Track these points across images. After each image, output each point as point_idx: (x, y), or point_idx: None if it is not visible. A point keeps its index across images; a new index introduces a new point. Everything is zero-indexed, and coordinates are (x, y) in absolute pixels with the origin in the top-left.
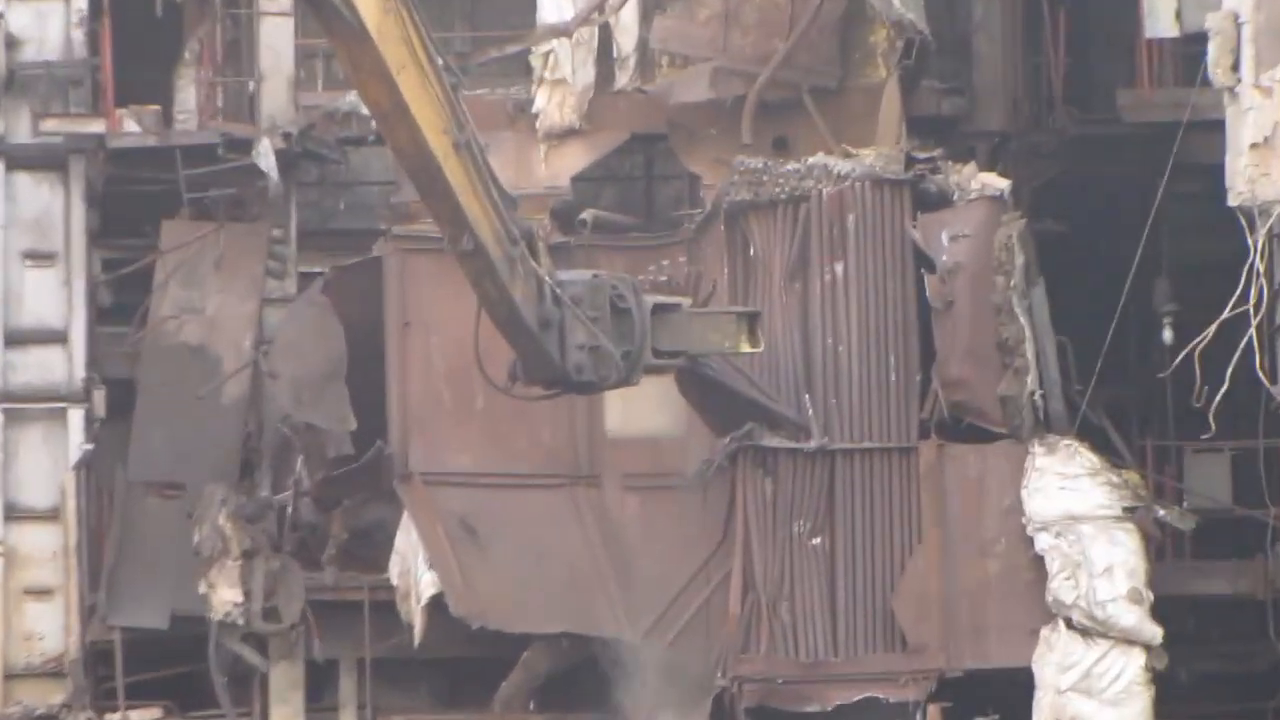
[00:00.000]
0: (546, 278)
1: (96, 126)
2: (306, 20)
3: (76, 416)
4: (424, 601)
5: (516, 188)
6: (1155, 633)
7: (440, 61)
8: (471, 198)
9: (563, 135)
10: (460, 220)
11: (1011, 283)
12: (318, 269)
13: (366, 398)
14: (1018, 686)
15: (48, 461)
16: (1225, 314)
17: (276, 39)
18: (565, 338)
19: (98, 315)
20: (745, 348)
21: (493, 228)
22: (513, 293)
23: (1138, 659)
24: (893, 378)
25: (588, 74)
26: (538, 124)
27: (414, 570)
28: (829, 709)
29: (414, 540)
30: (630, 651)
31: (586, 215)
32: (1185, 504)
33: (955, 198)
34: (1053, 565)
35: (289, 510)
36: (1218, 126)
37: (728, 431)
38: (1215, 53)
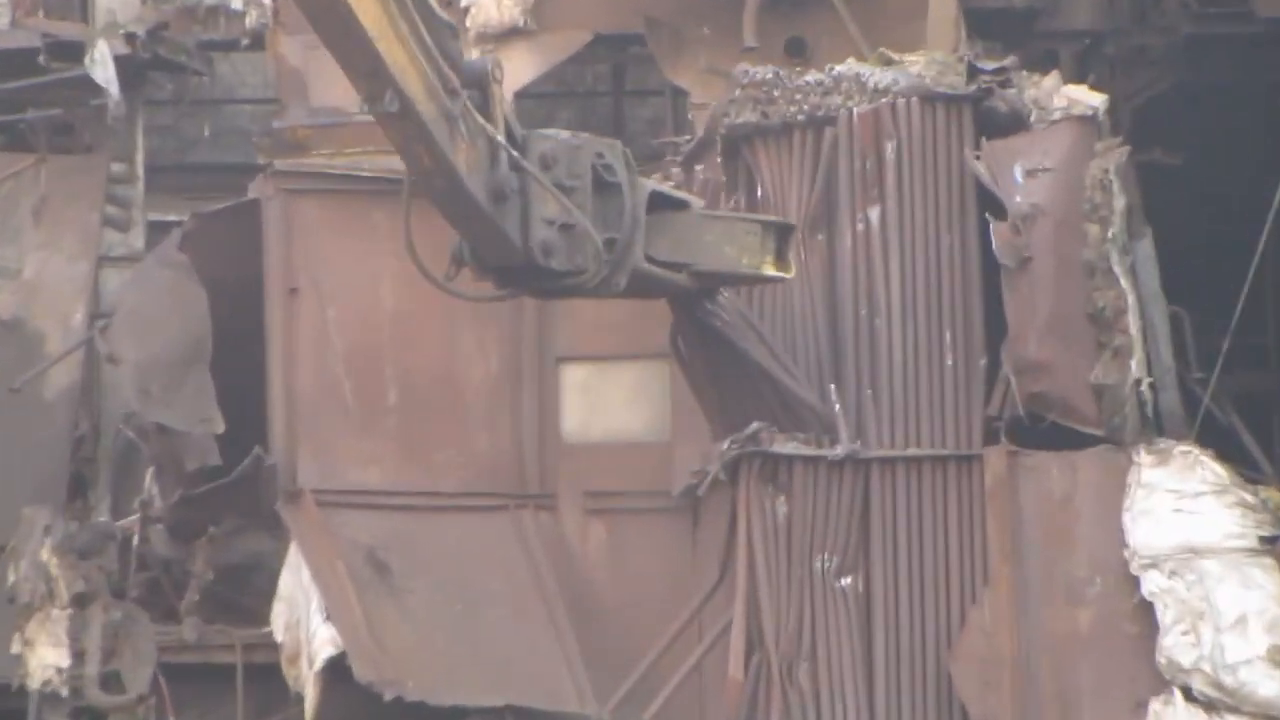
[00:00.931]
0: (500, 136)
1: None
2: None
3: None
4: (319, 665)
5: None
6: None
7: None
8: (393, 41)
9: (503, 37)
10: (380, 73)
11: (1109, 233)
12: (173, 217)
13: (240, 390)
14: None
15: None
16: None
17: None
18: (529, 210)
19: None
20: (771, 270)
21: (423, 78)
22: (453, 160)
23: None
24: (948, 361)
25: None
26: (469, 21)
27: (305, 622)
28: None
29: (305, 582)
30: None
31: None
32: None
33: (1032, 119)
34: (1165, 615)
35: (135, 542)
36: None
37: (734, 425)
38: None
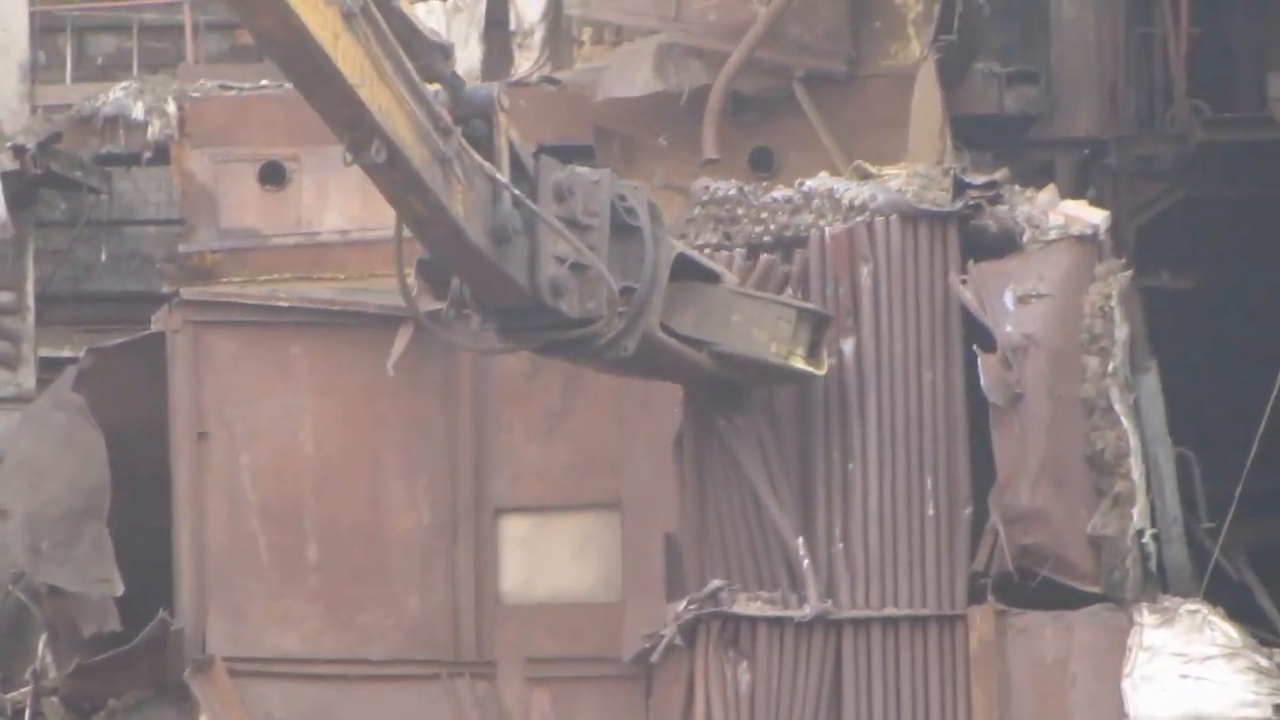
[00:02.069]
0: (500, 175)
1: None
2: None
3: None
4: None
5: (367, 229)
6: None
7: None
8: (377, 84)
9: None
10: (365, 121)
11: (1110, 367)
12: (67, 353)
13: (143, 546)
14: None
15: None
16: None
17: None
18: (538, 246)
19: None
20: (801, 364)
21: (413, 120)
22: (450, 206)
23: None
24: (929, 511)
25: (472, 55)
26: None
27: None
28: None
29: None
30: None
31: None
32: None
33: (1025, 239)
34: None
35: (27, 716)
36: None
37: (698, 575)
38: None
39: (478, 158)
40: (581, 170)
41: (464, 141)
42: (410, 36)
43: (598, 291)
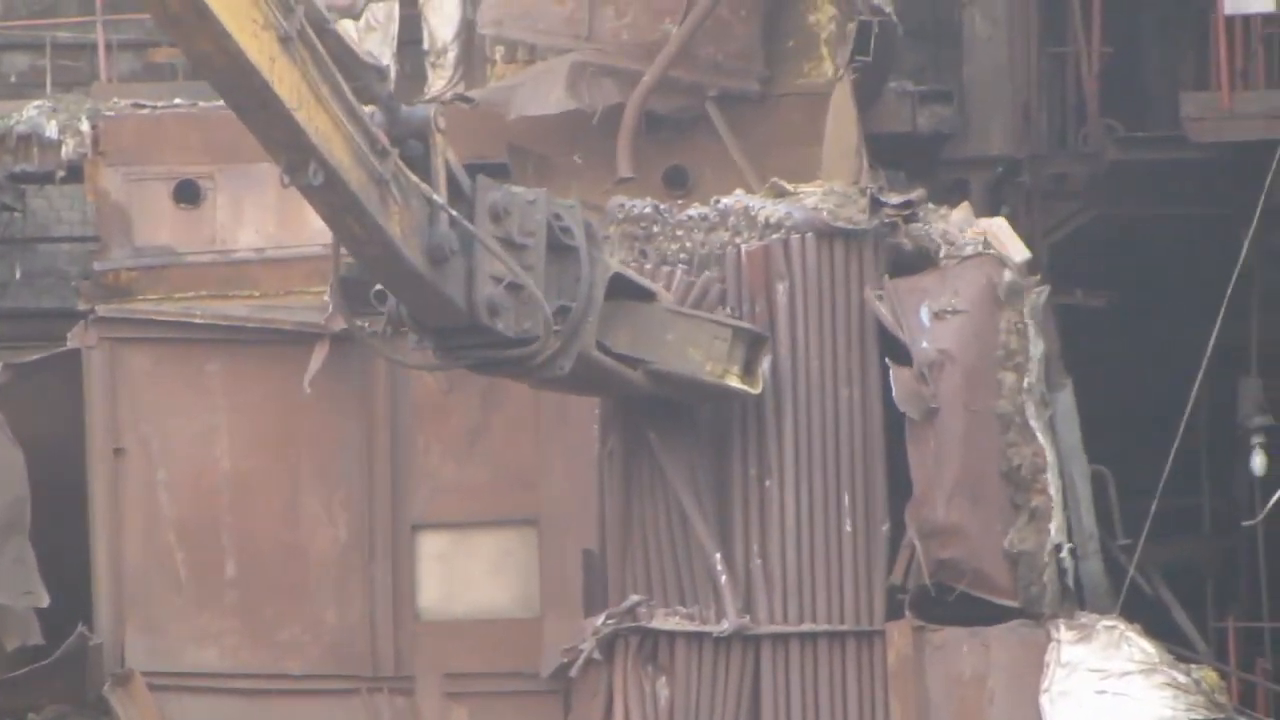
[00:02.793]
0: (437, 196)
1: None
2: None
3: None
4: None
5: (282, 246)
6: None
7: None
8: (314, 107)
9: None
10: (301, 144)
11: (1025, 383)
12: None
13: (61, 561)
14: None
15: None
16: None
17: None
18: (475, 266)
19: None
20: (735, 382)
21: (349, 143)
22: (386, 227)
23: None
24: (846, 527)
25: None
26: None
27: None
28: None
29: None
30: None
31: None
32: None
33: (940, 256)
34: None
35: None
36: None
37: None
38: None
39: (414, 179)
40: (517, 190)
41: (400, 163)
42: (346, 58)
43: (534, 312)
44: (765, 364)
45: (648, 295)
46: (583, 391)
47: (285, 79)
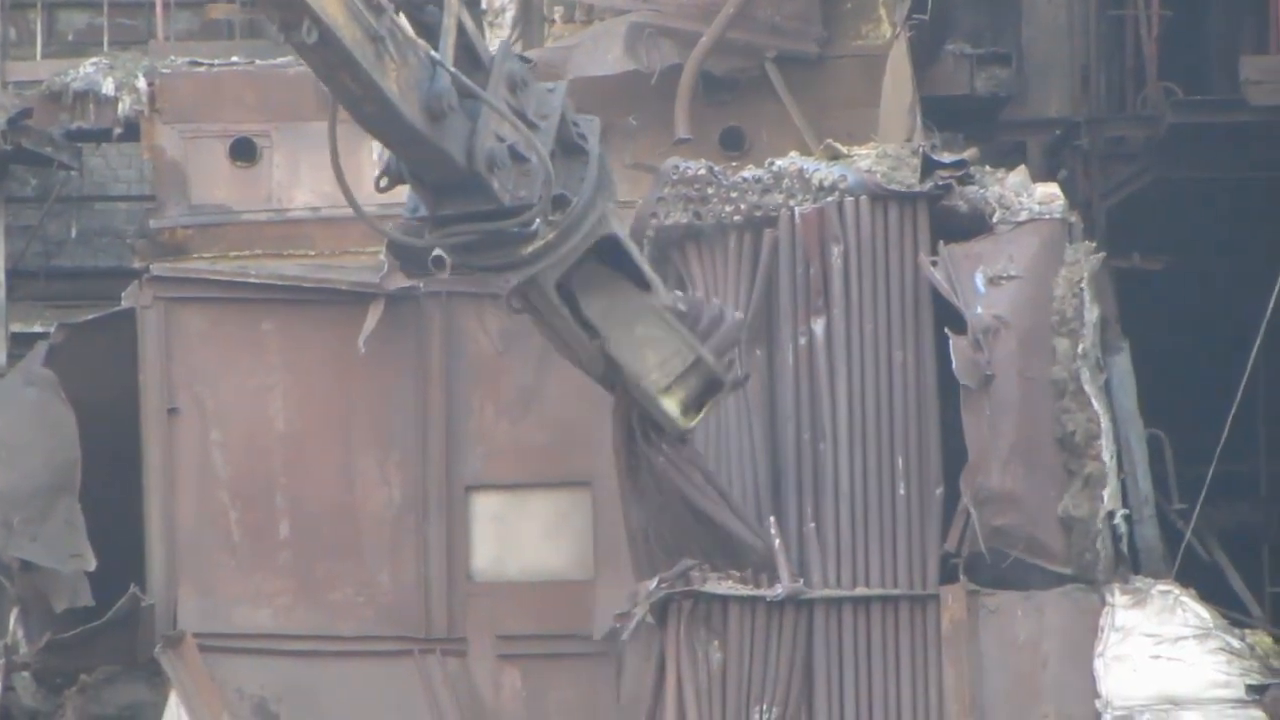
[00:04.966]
0: (434, 53)
1: None
2: None
3: None
4: None
5: (338, 205)
6: None
7: None
8: None
9: None
10: (293, 2)
11: (1080, 348)
12: (38, 328)
13: (115, 522)
14: None
15: None
16: None
17: None
18: (477, 125)
19: None
20: (671, 407)
21: (342, 1)
22: (383, 84)
23: None
24: (900, 491)
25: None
26: None
27: None
28: None
29: None
30: None
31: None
32: None
33: (996, 220)
34: None
35: None
36: None
37: (660, 562)
38: None
39: (411, 34)
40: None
41: (394, 19)
42: None
43: (532, 184)
44: (708, 409)
45: (644, 284)
46: (545, 334)
47: None
